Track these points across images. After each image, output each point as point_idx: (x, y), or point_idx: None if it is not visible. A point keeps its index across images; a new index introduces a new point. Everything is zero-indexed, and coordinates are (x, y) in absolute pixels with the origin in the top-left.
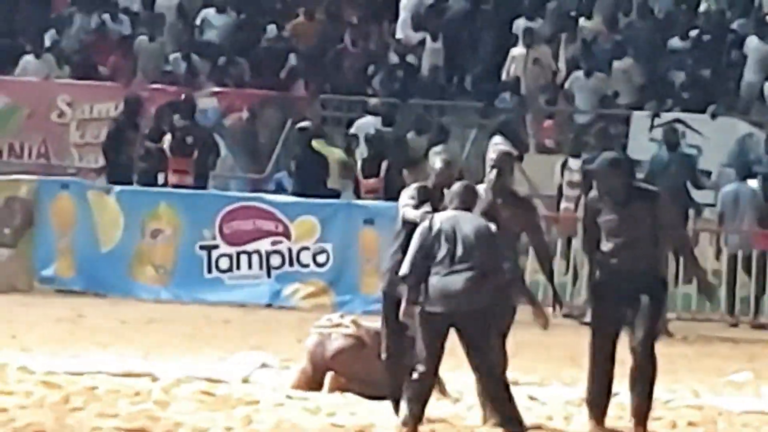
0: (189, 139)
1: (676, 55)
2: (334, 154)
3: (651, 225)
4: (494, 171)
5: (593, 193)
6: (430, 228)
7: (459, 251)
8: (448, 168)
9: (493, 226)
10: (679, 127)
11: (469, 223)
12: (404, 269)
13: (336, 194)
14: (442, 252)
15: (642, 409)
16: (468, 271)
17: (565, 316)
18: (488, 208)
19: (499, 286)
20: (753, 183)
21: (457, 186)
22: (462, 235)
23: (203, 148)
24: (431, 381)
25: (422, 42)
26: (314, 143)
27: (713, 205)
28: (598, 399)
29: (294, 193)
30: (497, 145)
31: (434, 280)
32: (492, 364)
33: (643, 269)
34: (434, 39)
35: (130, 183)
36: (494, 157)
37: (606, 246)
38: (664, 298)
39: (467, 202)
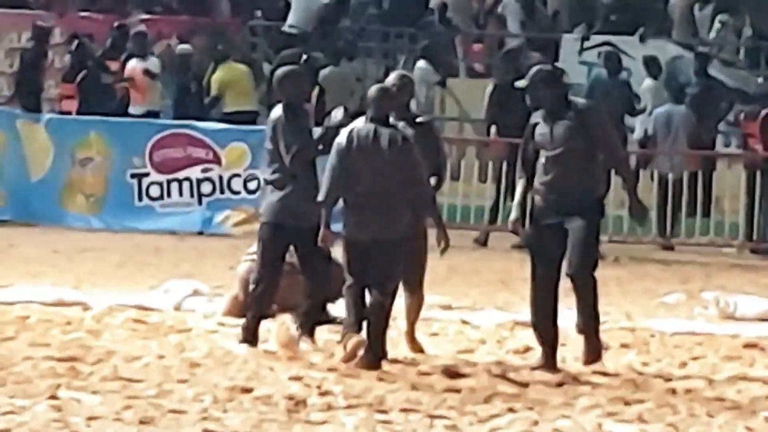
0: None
1: None
2: (244, 72)
3: (584, 140)
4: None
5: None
6: (348, 144)
7: (376, 172)
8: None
9: (410, 136)
10: (610, 49)
11: (386, 139)
12: (321, 195)
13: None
14: (360, 172)
15: (589, 327)
16: (385, 197)
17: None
18: None
19: (415, 211)
20: (681, 107)
21: (373, 91)
22: (380, 153)
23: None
24: (359, 291)
25: None
26: (222, 67)
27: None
28: (545, 328)
29: (175, 118)
30: (421, 69)
31: (351, 210)
32: (387, 295)
33: (576, 185)
34: None
35: (40, 111)
36: (391, 79)
37: (540, 162)
38: (599, 218)
39: (384, 108)
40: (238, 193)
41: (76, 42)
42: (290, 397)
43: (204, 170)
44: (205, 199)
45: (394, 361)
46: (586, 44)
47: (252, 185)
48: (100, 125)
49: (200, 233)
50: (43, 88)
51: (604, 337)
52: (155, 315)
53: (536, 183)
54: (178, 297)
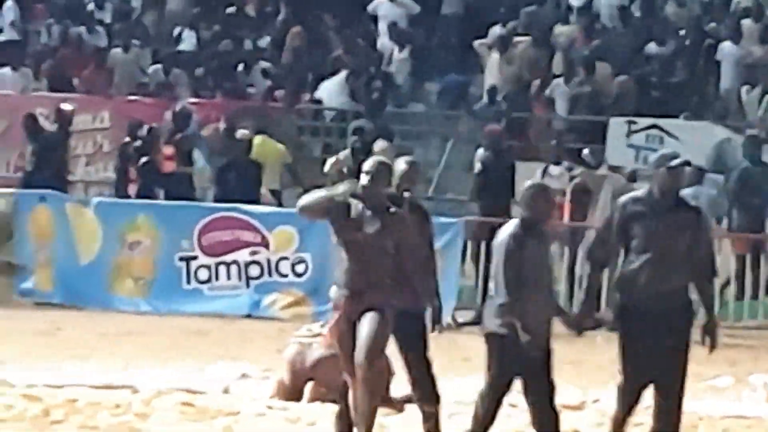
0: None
1: (652, 61)
2: (278, 150)
3: (689, 243)
4: (366, 178)
5: (631, 194)
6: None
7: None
8: (412, 170)
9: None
10: (656, 132)
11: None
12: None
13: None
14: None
15: None
16: None
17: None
18: (358, 220)
19: None
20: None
21: (531, 190)
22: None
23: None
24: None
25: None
26: (256, 139)
27: None
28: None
29: (218, 200)
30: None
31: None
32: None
33: (677, 288)
34: (401, 48)
35: (65, 192)
36: (368, 164)
37: (635, 259)
38: (692, 323)
39: (540, 212)
40: (285, 276)
41: (146, 127)
42: None
43: (252, 253)
44: (252, 282)
45: None
46: (634, 127)
47: (300, 268)
48: (149, 208)
49: (248, 316)
50: (69, 171)
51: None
52: (203, 398)
53: (628, 281)
54: (226, 380)
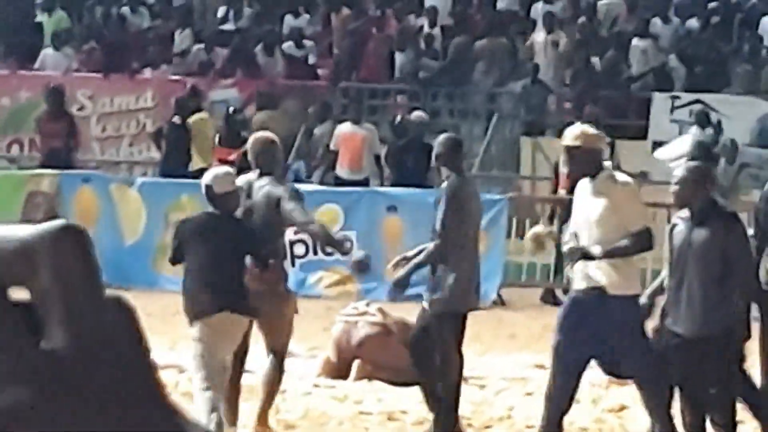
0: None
1: (694, 36)
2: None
3: None
4: None
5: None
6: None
7: None
8: None
9: None
10: (700, 107)
11: None
12: None
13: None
14: None
15: None
16: None
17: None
18: None
19: None
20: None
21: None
22: None
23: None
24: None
25: (420, 29)
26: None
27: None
28: None
29: (394, 183)
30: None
31: None
32: None
33: None
34: (432, 26)
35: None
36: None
37: None
38: None
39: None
40: (331, 254)
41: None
42: None
43: (297, 232)
44: (298, 261)
45: None
46: (677, 102)
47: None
48: (192, 188)
49: None
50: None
51: None
52: (250, 377)
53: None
54: None
